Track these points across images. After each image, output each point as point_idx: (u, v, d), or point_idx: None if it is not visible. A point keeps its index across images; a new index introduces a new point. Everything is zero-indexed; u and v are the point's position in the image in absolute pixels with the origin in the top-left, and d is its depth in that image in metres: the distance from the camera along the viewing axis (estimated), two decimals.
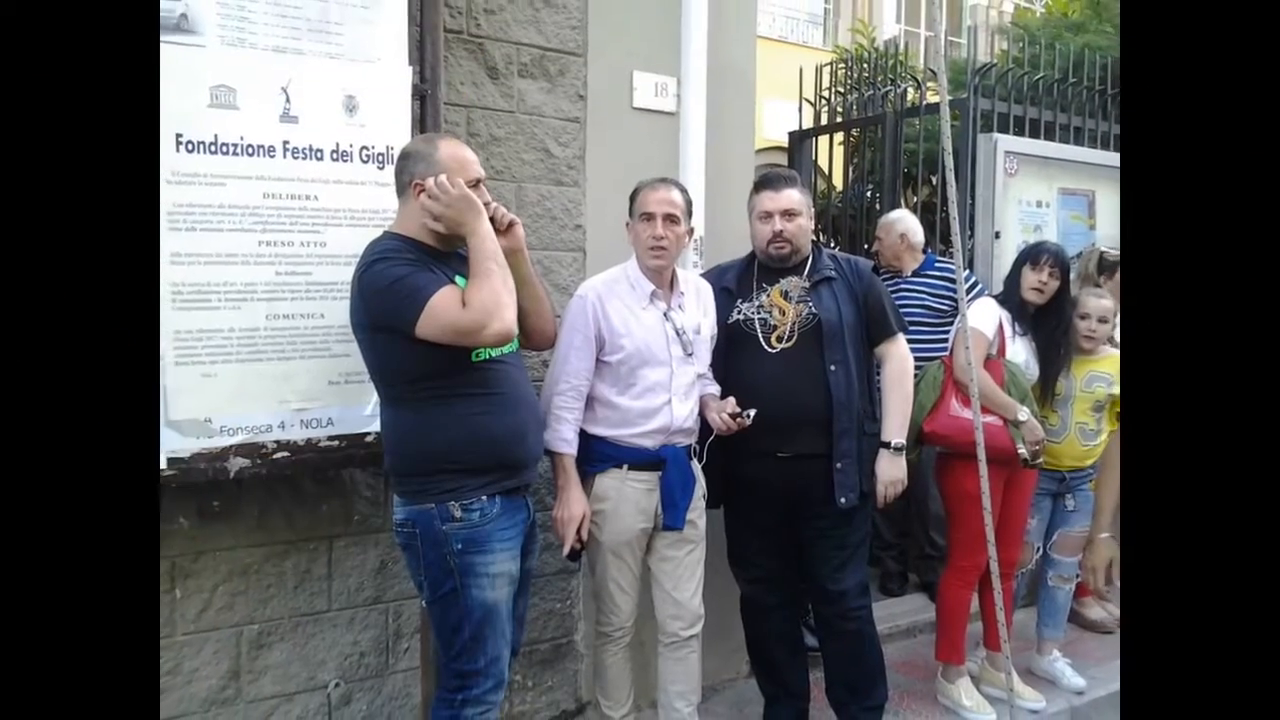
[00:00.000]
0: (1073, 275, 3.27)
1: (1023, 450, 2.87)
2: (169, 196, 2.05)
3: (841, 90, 5.14)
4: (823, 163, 5.22)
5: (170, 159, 2.04)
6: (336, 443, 2.28)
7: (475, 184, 2.03)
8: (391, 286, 1.91)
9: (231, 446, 2.15)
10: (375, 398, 2.18)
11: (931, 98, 4.62)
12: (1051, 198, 4.19)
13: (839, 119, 5.05)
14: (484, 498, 2.03)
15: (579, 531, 2.35)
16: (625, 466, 2.41)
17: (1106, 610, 3.88)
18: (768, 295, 2.61)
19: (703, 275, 2.73)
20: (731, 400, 2.43)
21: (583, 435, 2.40)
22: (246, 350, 2.15)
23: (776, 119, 5.98)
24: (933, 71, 4.27)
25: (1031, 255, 3.06)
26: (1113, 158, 4.37)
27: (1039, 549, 3.28)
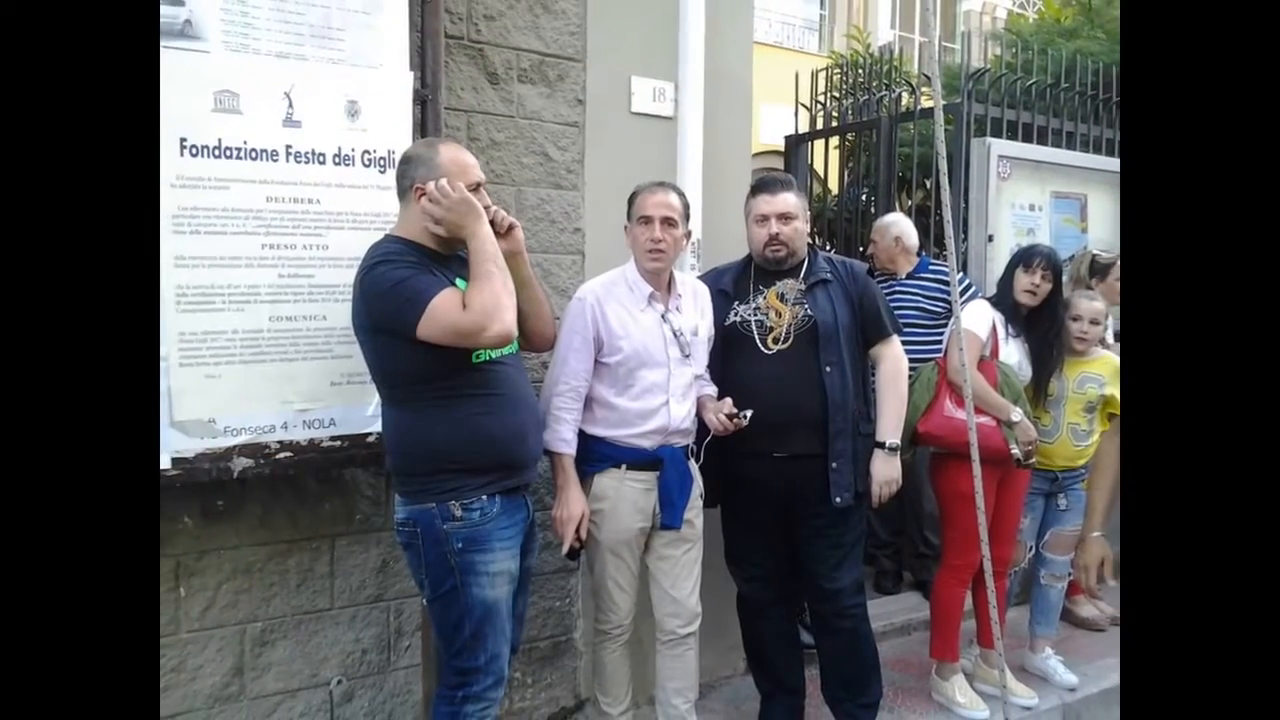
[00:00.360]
0: (1065, 278, 3.32)
1: (1015, 450, 2.90)
2: (173, 200, 2.06)
3: (837, 95, 5.16)
4: (818, 167, 5.25)
5: (174, 163, 2.06)
6: (338, 443, 2.31)
7: (475, 187, 2.06)
8: (393, 289, 1.94)
9: (235, 447, 2.17)
10: (377, 398, 2.20)
11: (926, 102, 4.65)
12: (1044, 201, 4.23)
13: (834, 123, 5.08)
14: (484, 497, 2.06)
15: (578, 530, 2.37)
16: (623, 466, 2.44)
17: (1098, 608, 3.91)
18: (764, 298, 2.63)
19: (700, 278, 2.75)
20: (728, 401, 2.45)
21: (581, 435, 2.43)
22: (250, 352, 2.18)
23: (773, 123, 6.00)
24: (927, 77, 4.31)
25: (1024, 258, 3.09)
26: (1105, 162, 4.40)
27: (1031, 548, 3.31)
